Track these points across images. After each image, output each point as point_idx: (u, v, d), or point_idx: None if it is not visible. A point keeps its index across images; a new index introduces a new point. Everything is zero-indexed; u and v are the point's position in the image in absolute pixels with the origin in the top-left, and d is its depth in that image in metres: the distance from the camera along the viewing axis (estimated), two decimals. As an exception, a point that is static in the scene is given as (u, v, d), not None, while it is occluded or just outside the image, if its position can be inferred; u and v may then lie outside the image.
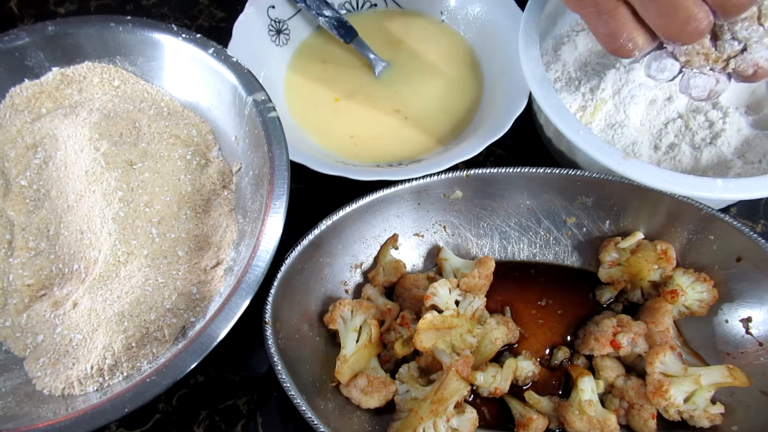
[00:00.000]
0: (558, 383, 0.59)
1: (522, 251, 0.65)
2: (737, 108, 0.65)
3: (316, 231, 0.58)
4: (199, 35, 0.64)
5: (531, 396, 0.56)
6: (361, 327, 0.58)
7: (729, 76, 0.55)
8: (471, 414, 0.53)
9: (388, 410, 0.56)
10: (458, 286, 0.59)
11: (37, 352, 0.55)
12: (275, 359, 0.52)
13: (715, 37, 0.53)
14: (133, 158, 0.60)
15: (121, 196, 0.57)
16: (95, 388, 0.51)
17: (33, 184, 0.61)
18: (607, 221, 0.64)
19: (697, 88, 0.55)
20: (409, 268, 0.64)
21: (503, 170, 0.61)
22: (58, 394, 0.52)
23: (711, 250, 0.60)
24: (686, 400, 0.54)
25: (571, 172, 0.60)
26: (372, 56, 0.77)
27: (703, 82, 0.55)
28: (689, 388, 0.54)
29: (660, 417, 0.55)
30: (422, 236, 0.65)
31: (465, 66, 0.78)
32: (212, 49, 0.63)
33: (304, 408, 0.50)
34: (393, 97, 0.76)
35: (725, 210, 0.69)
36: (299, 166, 0.63)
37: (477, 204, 0.64)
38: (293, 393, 0.51)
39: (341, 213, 0.59)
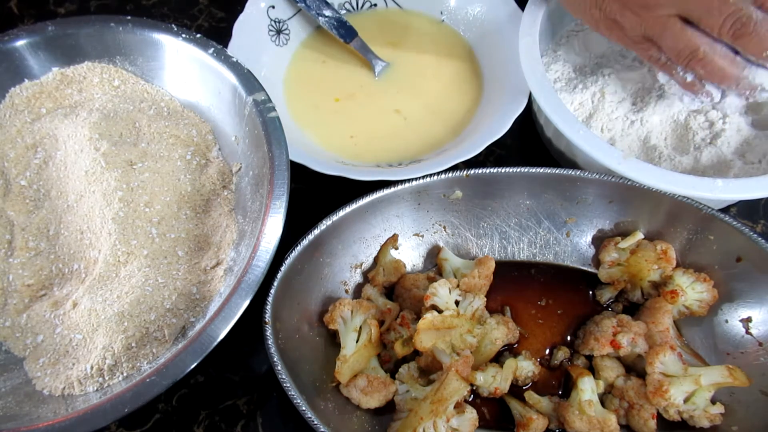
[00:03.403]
0: (558, 383, 0.59)
1: (522, 251, 0.65)
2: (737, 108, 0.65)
3: (316, 231, 0.58)
4: (199, 35, 0.64)
5: (531, 396, 0.56)
6: (361, 327, 0.58)
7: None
8: (471, 414, 0.53)
9: (388, 410, 0.56)
10: (458, 286, 0.59)
11: (37, 352, 0.55)
12: (275, 359, 0.52)
13: None
14: (133, 158, 0.60)
15: (121, 196, 0.57)
16: (95, 388, 0.51)
17: (33, 184, 0.61)
18: (607, 221, 0.64)
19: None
20: (409, 268, 0.64)
21: (503, 170, 0.61)
22: (58, 394, 0.52)
23: (711, 250, 0.60)
24: (686, 400, 0.54)
25: (571, 172, 0.60)
26: (372, 56, 0.77)
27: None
28: (689, 388, 0.54)
29: (660, 417, 0.55)
30: (422, 236, 0.65)
31: (465, 66, 0.78)
32: (212, 49, 0.63)
33: (304, 408, 0.50)
34: (393, 97, 0.76)
35: (725, 210, 0.69)
36: (299, 166, 0.63)
37: (477, 204, 0.64)
38: (293, 393, 0.51)
39: (341, 213, 0.59)
